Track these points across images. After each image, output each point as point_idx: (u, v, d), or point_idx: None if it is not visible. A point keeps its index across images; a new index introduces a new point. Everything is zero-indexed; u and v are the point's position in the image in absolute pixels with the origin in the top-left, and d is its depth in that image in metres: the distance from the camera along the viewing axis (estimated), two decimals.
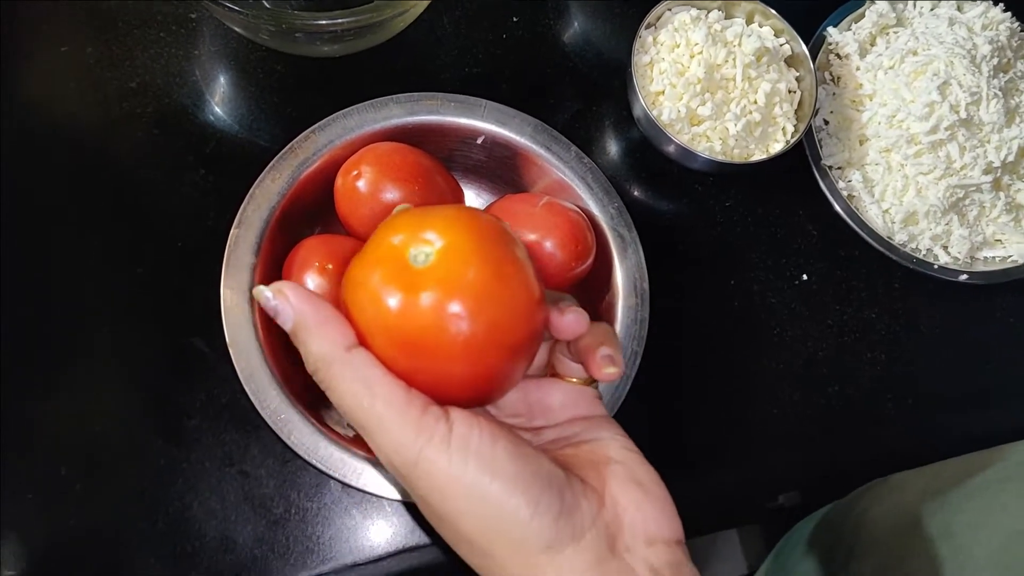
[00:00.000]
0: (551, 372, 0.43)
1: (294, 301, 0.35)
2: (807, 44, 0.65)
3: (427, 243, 0.34)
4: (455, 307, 0.33)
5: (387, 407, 0.32)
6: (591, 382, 0.42)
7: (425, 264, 0.34)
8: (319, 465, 0.50)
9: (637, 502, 0.35)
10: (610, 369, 0.39)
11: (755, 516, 0.64)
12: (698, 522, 0.60)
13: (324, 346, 0.34)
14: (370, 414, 0.33)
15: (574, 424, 0.40)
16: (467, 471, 0.32)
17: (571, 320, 0.38)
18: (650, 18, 0.63)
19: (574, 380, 0.42)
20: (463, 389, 0.35)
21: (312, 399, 0.53)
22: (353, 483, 0.51)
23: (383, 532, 0.54)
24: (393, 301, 0.33)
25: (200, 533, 0.52)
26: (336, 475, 0.50)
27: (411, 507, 0.54)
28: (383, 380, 0.33)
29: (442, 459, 0.32)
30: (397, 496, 0.51)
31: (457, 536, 0.34)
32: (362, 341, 0.35)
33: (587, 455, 0.38)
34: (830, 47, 0.69)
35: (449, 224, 0.35)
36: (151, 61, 0.62)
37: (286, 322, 0.35)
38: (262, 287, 0.36)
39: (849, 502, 0.62)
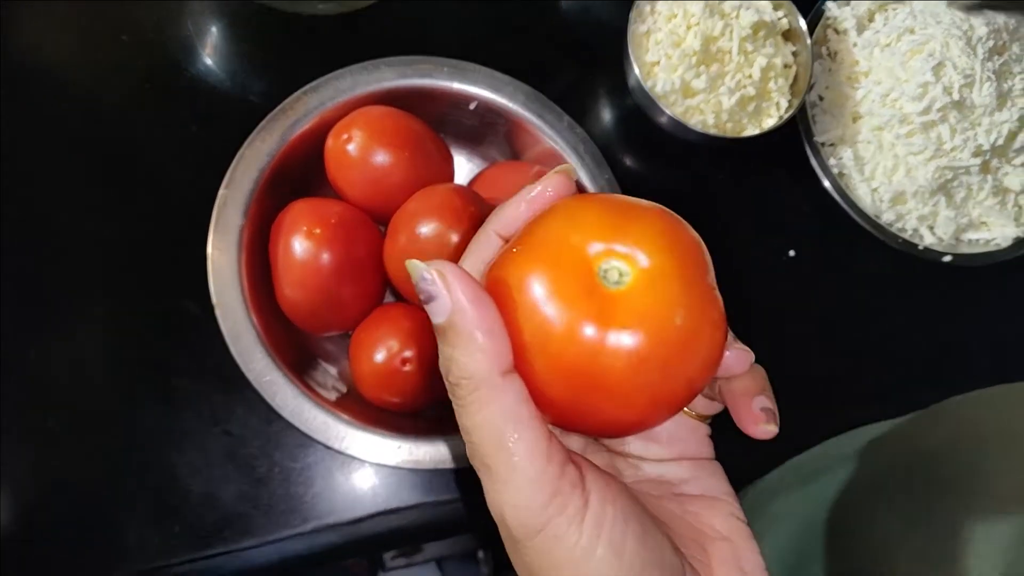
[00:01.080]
0: None
1: (458, 294, 0.27)
2: (806, 17, 0.65)
3: (625, 259, 0.28)
4: (651, 353, 0.27)
5: (528, 459, 0.27)
6: (706, 418, 0.37)
7: (619, 287, 0.28)
8: (303, 428, 0.51)
9: None
10: (770, 427, 0.33)
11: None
12: None
13: (481, 364, 0.27)
14: (505, 460, 0.27)
15: (681, 465, 0.35)
16: (594, 555, 0.27)
17: (733, 358, 0.33)
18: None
19: (691, 412, 0.36)
20: (616, 428, 0.31)
21: (297, 361, 0.54)
22: (336, 446, 0.51)
23: (364, 494, 0.55)
24: (572, 326, 0.27)
25: (185, 489, 0.53)
26: (320, 439, 0.51)
27: (392, 471, 0.55)
28: (531, 424, 0.28)
29: (571, 536, 0.27)
30: (378, 460, 0.52)
31: None
32: (519, 362, 0.28)
33: (692, 523, 0.33)
34: (828, 22, 0.69)
35: (653, 237, 0.29)
36: (144, 13, 0.61)
37: (438, 314, 0.28)
38: (418, 263, 0.28)
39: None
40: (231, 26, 0.62)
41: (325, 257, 0.52)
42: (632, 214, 0.29)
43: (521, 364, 0.28)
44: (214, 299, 0.52)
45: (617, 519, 0.28)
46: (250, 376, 0.51)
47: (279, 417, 0.51)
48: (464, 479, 0.55)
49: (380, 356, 0.53)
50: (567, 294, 0.27)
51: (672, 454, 0.35)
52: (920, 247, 0.64)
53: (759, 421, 0.33)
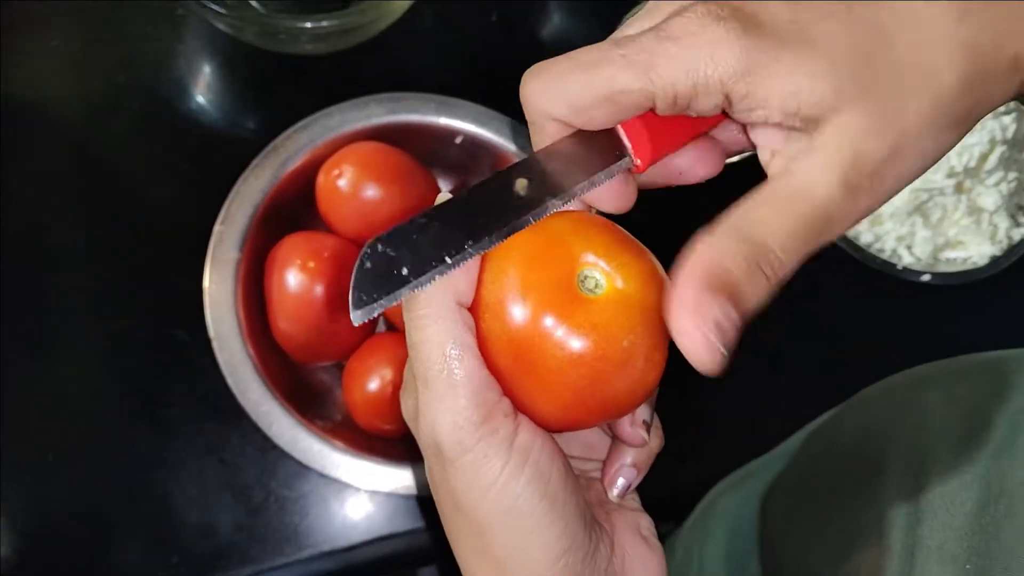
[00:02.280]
0: None
1: None
2: None
3: (606, 275, 0.30)
4: (590, 361, 0.29)
5: (467, 379, 0.28)
6: None
7: (590, 294, 0.30)
8: (298, 457, 0.52)
9: (641, 553, 0.34)
10: (642, 433, 0.34)
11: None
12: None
13: (444, 284, 0.29)
14: (447, 377, 0.29)
15: (589, 462, 0.37)
16: (519, 481, 0.29)
17: (631, 434, 0.34)
18: (629, 18, 0.64)
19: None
20: (539, 419, 0.32)
21: (292, 391, 0.55)
22: (331, 474, 0.52)
23: (359, 521, 0.56)
24: (536, 309, 0.29)
25: (181, 519, 0.54)
26: (315, 467, 0.52)
27: (387, 498, 0.56)
28: (474, 351, 0.29)
29: (499, 458, 0.29)
30: (373, 487, 0.53)
31: (475, 544, 0.31)
32: (475, 319, 0.30)
33: (596, 495, 0.35)
34: None
35: (639, 271, 0.30)
36: (138, 56, 0.63)
37: None
38: (447, 193, 0.30)
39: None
40: (223, 66, 0.64)
41: (318, 290, 0.53)
42: (628, 246, 0.31)
43: (480, 322, 0.30)
44: (211, 331, 0.53)
45: (544, 452, 0.30)
46: (247, 406, 0.52)
47: (274, 446, 0.52)
48: None
49: (373, 385, 0.54)
50: (544, 281, 0.29)
51: (583, 454, 0.37)
52: (899, 267, 0.66)
53: (612, 484, 0.34)
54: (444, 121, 0.60)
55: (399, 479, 0.54)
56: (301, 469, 0.55)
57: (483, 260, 0.30)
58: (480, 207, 0.29)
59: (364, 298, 0.27)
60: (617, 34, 0.31)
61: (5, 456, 0.53)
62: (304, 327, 0.54)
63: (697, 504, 0.60)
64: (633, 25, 0.31)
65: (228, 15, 0.54)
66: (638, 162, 0.31)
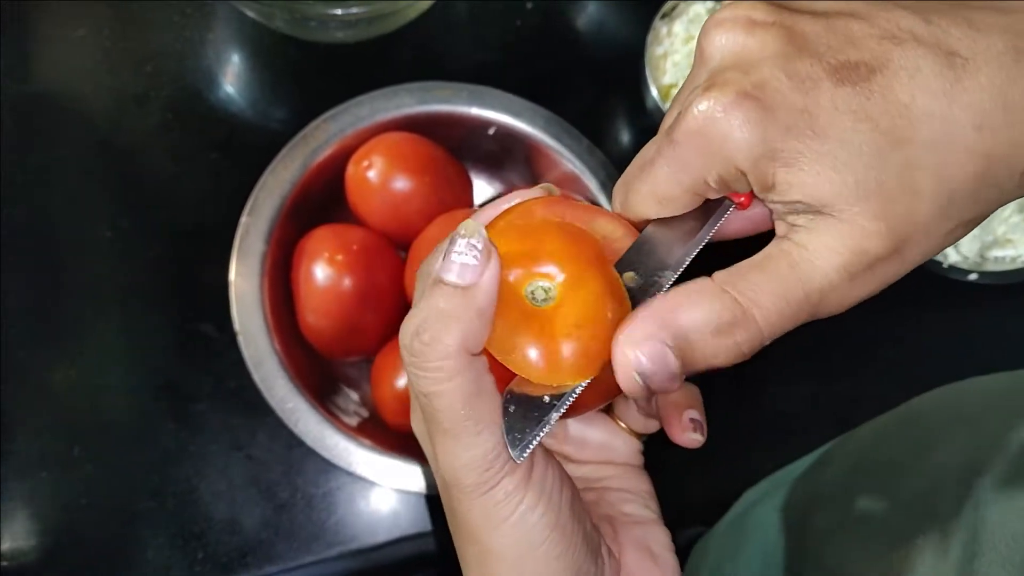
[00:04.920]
0: (607, 409, 0.40)
1: (490, 276, 0.28)
2: None
3: (545, 277, 0.30)
4: (594, 352, 0.29)
5: (487, 423, 0.28)
6: (640, 436, 0.39)
7: (547, 304, 0.30)
8: (325, 454, 0.51)
9: (648, 572, 0.34)
10: (695, 436, 0.35)
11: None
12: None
13: (467, 332, 0.28)
14: (471, 426, 0.28)
15: (606, 468, 0.38)
16: (532, 516, 0.29)
17: None
18: (665, 8, 0.63)
19: (623, 426, 0.39)
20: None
21: (319, 387, 0.54)
22: (358, 472, 0.51)
23: (386, 519, 0.55)
24: (519, 352, 0.29)
25: (207, 515, 0.53)
26: (342, 464, 0.51)
27: (414, 496, 0.55)
28: (492, 393, 0.29)
29: (517, 495, 0.29)
30: (400, 485, 0.52)
31: (483, 570, 0.31)
32: None
33: (607, 510, 0.36)
34: None
35: (561, 250, 0.30)
36: (166, 45, 0.62)
37: (459, 276, 0.28)
38: (481, 227, 0.28)
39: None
40: (252, 55, 0.63)
41: (347, 283, 0.52)
42: (538, 234, 0.31)
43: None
44: (236, 326, 0.52)
45: (555, 485, 0.30)
46: (272, 402, 0.51)
47: (301, 443, 0.52)
48: None
49: (402, 381, 0.53)
50: (508, 321, 0.29)
51: (602, 458, 0.38)
52: (945, 265, 0.64)
53: (686, 430, 0.35)
54: (476, 111, 0.58)
55: (427, 477, 0.53)
56: (328, 466, 0.54)
57: None
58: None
59: (519, 437, 0.28)
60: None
61: (29, 448, 0.53)
62: (332, 322, 0.53)
63: (730, 508, 0.59)
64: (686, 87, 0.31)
65: (258, 2, 0.53)
66: (741, 200, 0.30)
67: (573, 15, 0.68)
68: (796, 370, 0.63)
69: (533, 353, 0.29)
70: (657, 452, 0.51)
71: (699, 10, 0.63)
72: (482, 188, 0.62)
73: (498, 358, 0.29)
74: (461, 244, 0.28)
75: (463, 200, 0.57)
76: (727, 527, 0.58)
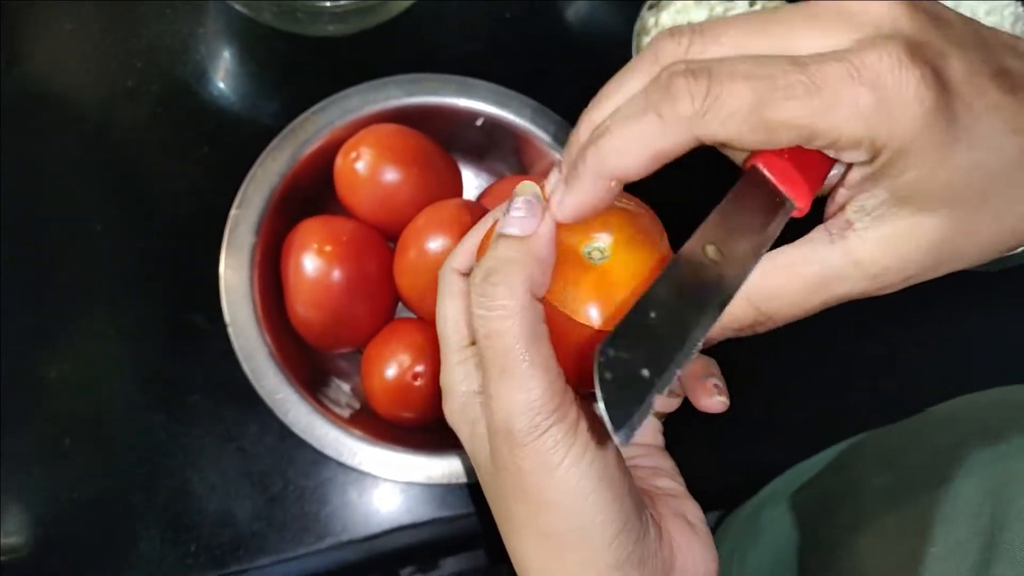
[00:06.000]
0: None
1: (548, 226, 0.31)
2: None
3: (600, 238, 0.33)
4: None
5: (544, 368, 0.30)
6: (661, 416, 0.41)
7: (603, 260, 0.33)
8: (316, 445, 0.51)
9: (688, 539, 0.35)
10: (720, 398, 0.36)
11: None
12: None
13: (524, 278, 0.31)
14: (526, 367, 0.30)
15: (632, 448, 0.40)
16: (582, 464, 0.31)
17: None
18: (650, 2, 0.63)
19: None
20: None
21: (309, 378, 0.54)
22: (349, 463, 0.51)
23: (378, 510, 0.55)
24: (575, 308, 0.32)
25: (200, 507, 0.53)
26: (333, 455, 0.51)
27: (406, 487, 0.55)
28: (547, 342, 0.31)
29: (567, 441, 0.30)
30: (392, 476, 0.52)
31: (535, 526, 0.32)
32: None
33: (640, 483, 0.37)
34: None
35: (608, 218, 0.34)
36: (156, 38, 0.62)
37: (515, 228, 0.31)
38: (535, 186, 0.32)
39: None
40: (241, 49, 0.63)
41: (336, 274, 0.52)
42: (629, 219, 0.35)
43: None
44: (227, 317, 0.52)
45: (602, 440, 0.31)
46: (262, 393, 0.51)
47: (292, 434, 0.52)
48: (478, 494, 0.55)
49: (392, 372, 0.53)
50: (568, 277, 0.32)
51: (636, 440, 0.38)
52: None
53: (711, 393, 0.36)
54: (464, 103, 0.58)
55: (419, 468, 0.53)
56: (319, 457, 0.54)
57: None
58: (684, 284, 0.28)
59: (623, 417, 0.25)
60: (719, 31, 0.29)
61: (21, 441, 0.53)
62: (321, 312, 0.53)
63: (747, 501, 0.59)
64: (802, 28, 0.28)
65: None
66: (800, 205, 0.30)
67: (561, 6, 0.68)
68: (801, 364, 0.63)
69: (592, 304, 0.32)
70: (675, 434, 0.52)
71: (686, 1, 0.63)
72: (471, 178, 0.62)
73: (560, 309, 0.32)
74: (519, 201, 0.31)
75: (452, 191, 0.57)
76: (740, 524, 0.58)
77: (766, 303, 0.30)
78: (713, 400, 0.36)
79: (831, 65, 0.25)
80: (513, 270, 0.30)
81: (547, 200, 0.31)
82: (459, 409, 0.35)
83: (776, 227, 0.30)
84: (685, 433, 0.60)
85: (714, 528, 0.61)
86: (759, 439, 0.61)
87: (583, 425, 0.31)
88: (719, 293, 0.28)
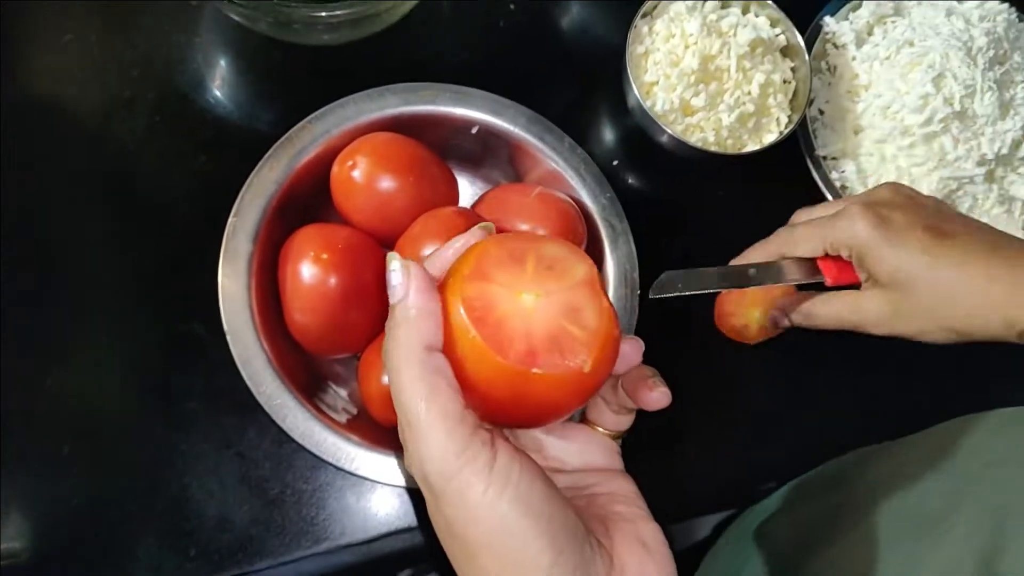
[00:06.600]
0: (581, 418, 0.43)
1: (413, 287, 0.34)
2: (804, 33, 0.66)
3: (537, 289, 0.36)
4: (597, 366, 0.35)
5: (441, 417, 0.32)
6: (616, 436, 0.42)
7: (533, 305, 0.35)
8: (314, 450, 0.52)
9: (642, 564, 0.35)
10: (662, 389, 0.39)
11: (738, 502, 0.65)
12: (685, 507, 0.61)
13: (411, 338, 0.33)
14: (422, 417, 0.32)
15: (589, 474, 0.41)
16: (501, 501, 0.32)
17: (629, 349, 0.39)
18: (646, 7, 0.64)
19: (601, 430, 0.42)
20: (517, 417, 0.36)
21: (307, 384, 0.55)
22: (347, 467, 0.52)
23: (375, 514, 0.55)
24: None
25: (198, 513, 0.54)
26: (330, 460, 0.52)
27: (403, 491, 0.55)
28: (447, 391, 0.33)
29: (480, 483, 0.32)
30: (389, 480, 0.52)
31: (470, 565, 0.34)
32: (447, 340, 0.34)
33: (597, 510, 0.38)
34: (827, 36, 0.69)
35: (565, 270, 0.37)
36: (153, 48, 0.63)
37: (394, 298, 0.35)
38: (396, 256, 0.35)
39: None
40: (238, 58, 0.64)
41: (333, 281, 0.53)
42: (534, 246, 0.37)
43: (452, 349, 0.34)
44: (225, 325, 0.53)
45: (524, 476, 0.33)
46: (261, 400, 0.52)
47: (290, 439, 0.52)
48: None
49: (387, 378, 0.54)
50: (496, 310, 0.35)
51: (582, 464, 0.41)
52: None
53: (653, 388, 0.39)
54: (460, 111, 0.59)
55: None
56: (317, 462, 0.54)
57: (442, 296, 0.35)
58: (727, 272, 0.55)
59: (664, 285, 0.51)
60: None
61: (20, 448, 0.53)
62: (318, 319, 0.53)
63: (743, 511, 0.59)
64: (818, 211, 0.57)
65: (243, 5, 0.54)
66: (828, 280, 0.54)
67: (555, 15, 0.69)
68: (778, 366, 0.63)
69: (523, 337, 0.35)
70: (670, 445, 0.55)
71: (679, 9, 0.64)
72: (466, 186, 0.62)
73: (486, 343, 0.33)
74: (389, 274, 0.35)
75: (447, 199, 0.58)
76: (734, 542, 0.58)
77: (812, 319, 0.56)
78: (656, 393, 0.39)
79: (828, 218, 0.54)
80: (400, 333, 0.34)
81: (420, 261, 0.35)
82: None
83: (805, 278, 0.54)
84: (685, 433, 0.61)
85: (710, 539, 0.61)
86: (758, 446, 0.62)
87: (501, 463, 0.32)
88: (740, 280, 0.54)
